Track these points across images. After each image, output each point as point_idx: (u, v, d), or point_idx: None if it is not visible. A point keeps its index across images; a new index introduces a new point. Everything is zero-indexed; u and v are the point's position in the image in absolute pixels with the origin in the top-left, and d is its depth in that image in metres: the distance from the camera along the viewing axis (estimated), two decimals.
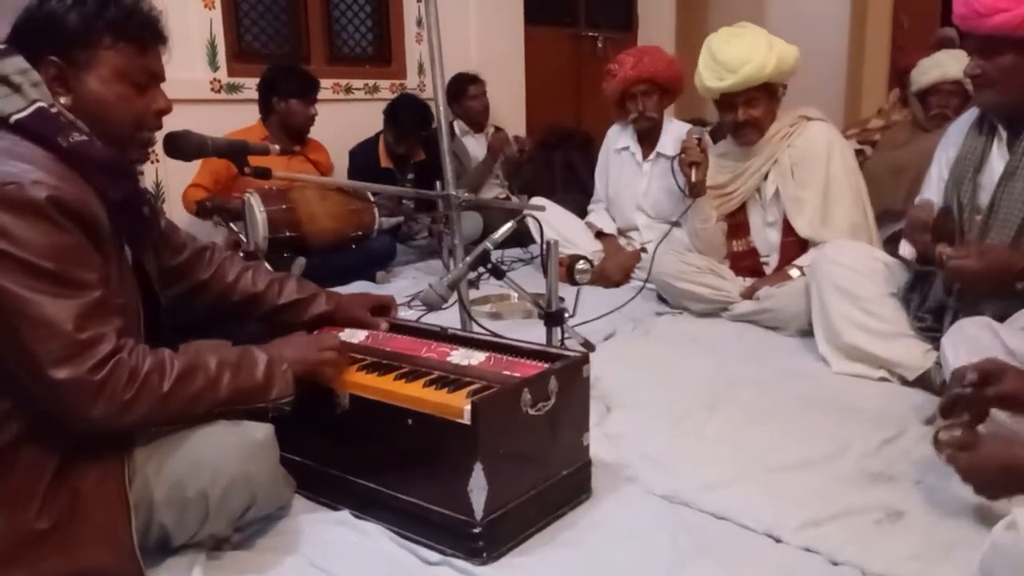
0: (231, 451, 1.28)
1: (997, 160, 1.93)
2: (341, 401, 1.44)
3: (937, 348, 1.94)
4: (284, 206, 3.10)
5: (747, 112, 2.63)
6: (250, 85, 3.74)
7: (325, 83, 4.04)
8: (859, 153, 3.91)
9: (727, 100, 2.65)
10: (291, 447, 1.47)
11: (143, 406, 1.18)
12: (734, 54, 2.56)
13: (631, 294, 2.99)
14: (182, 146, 1.51)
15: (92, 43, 1.24)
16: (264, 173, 1.60)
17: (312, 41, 4.21)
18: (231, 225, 3.05)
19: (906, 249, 2.11)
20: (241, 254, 2.95)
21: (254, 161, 1.63)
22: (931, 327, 2.04)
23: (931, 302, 2.04)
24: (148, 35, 1.29)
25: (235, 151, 1.57)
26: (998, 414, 1.44)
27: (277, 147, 1.65)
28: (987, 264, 1.78)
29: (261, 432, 1.32)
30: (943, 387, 1.81)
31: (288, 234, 3.09)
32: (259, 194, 3.06)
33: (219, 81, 3.72)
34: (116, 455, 1.23)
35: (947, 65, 3.35)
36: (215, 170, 3.28)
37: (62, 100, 1.24)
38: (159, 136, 1.41)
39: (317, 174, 3.44)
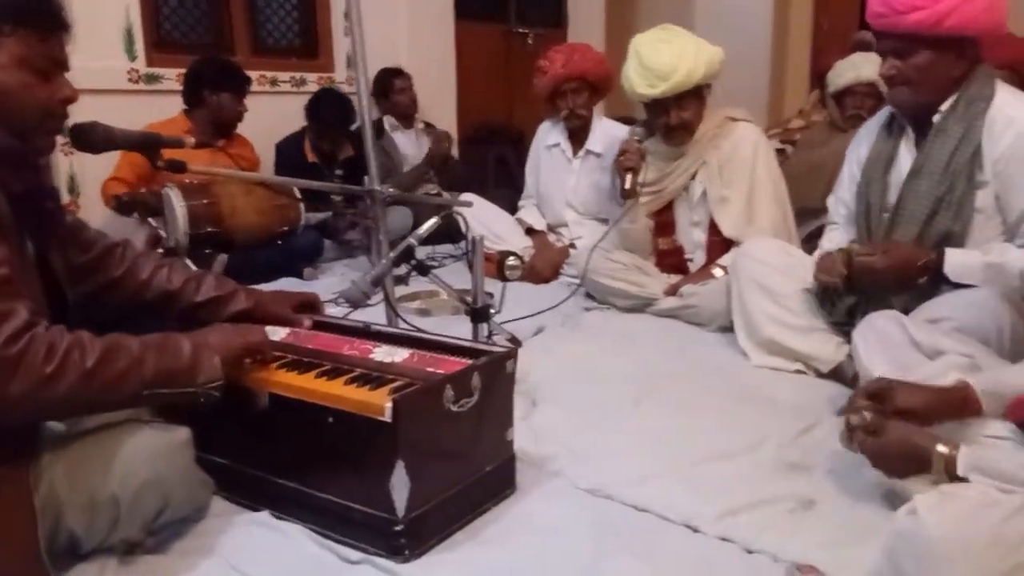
0: (142, 453, 1.24)
1: (905, 159, 2.01)
2: (260, 400, 1.41)
3: (849, 341, 2.01)
4: (206, 200, 3.02)
5: (679, 116, 2.67)
6: (170, 76, 3.64)
7: (250, 75, 3.94)
8: (780, 152, 4.03)
9: (658, 104, 2.68)
10: (209, 448, 1.44)
11: (65, 382, 1.13)
12: (664, 60, 2.59)
13: (560, 289, 3.03)
14: (89, 138, 1.45)
15: None
16: (179, 167, 1.56)
17: (236, 31, 4.11)
18: (150, 220, 2.95)
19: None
20: (161, 250, 2.87)
21: (172, 154, 1.58)
22: (843, 321, 2.12)
23: (843, 297, 2.11)
24: (50, 22, 1.24)
25: (147, 144, 1.52)
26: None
27: (192, 140, 1.60)
28: (891, 261, 1.87)
29: (175, 433, 1.29)
30: (855, 379, 1.89)
31: (210, 229, 3.01)
32: (179, 188, 2.97)
33: (137, 71, 3.61)
34: (20, 458, 1.18)
35: (861, 67, 3.48)
36: (135, 163, 3.16)
37: None
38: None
39: (242, 169, 3.36)
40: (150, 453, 1.24)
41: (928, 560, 1.09)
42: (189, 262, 2.78)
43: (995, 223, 1.90)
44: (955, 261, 1.85)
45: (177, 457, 1.28)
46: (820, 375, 2.17)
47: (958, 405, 1.43)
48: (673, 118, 2.67)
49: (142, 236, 2.98)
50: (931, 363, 1.61)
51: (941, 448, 1.27)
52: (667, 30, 2.72)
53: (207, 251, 3.00)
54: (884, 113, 2.13)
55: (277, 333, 1.61)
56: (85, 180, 3.41)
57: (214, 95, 3.37)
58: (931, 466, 1.28)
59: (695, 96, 2.68)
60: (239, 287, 1.68)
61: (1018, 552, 1.07)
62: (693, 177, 2.77)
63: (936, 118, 1.93)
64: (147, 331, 1.30)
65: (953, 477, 1.25)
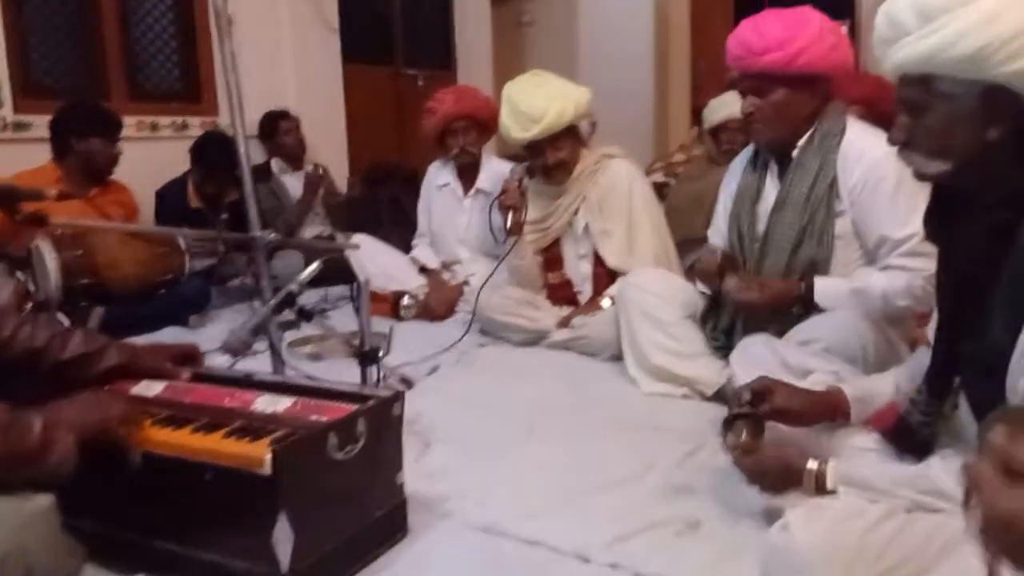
0: (3, 525, 1.16)
1: (770, 192, 2.12)
2: (133, 459, 1.35)
3: (729, 364, 2.10)
4: (80, 252, 2.88)
5: (555, 155, 2.76)
6: (41, 123, 3.46)
7: (128, 120, 3.78)
8: (664, 185, 4.21)
9: (535, 146, 2.77)
10: (79, 512, 1.36)
11: None
12: (535, 105, 2.68)
13: (456, 327, 3.03)
14: None
15: None
16: (39, 220, 1.49)
17: (111, 76, 3.97)
18: (17, 274, 2.79)
19: (700, 285, 2.28)
20: (30, 304, 2.71)
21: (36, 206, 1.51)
22: (724, 345, 2.21)
23: (723, 323, 2.21)
24: None
25: (3, 196, 1.44)
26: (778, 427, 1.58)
27: (54, 192, 1.53)
28: (767, 296, 1.99)
29: (37, 500, 1.21)
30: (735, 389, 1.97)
31: (85, 281, 2.87)
32: (51, 240, 2.83)
33: (4, 119, 3.43)
34: None
35: (733, 104, 3.64)
36: None
37: None
38: None
39: (118, 217, 3.23)
40: (9, 523, 1.16)
41: (800, 572, 1.14)
42: (63, 316, 2.64)
43: (854, 248, 2.02)
44: (824, 290, 1.97)
45: (40, 526, 1.20)
46: (705, 398, 2.24)
47: (830, 408, 1.52)
48: (549, 158, 2.76)
49: (8, 290, 2.81)
50: (801, 382, 1.70)
51: (811, 464, 1.34)
52: (537, 75, 2.82)
53: (83, 304, 2.86)
54: (750, 149, 2.25)
55: (153, 388, 1.55)
56: None
57: (83, 142, 3.22)
58: (802, 481, 1.34)
59: (569, 136, 2.77)
60: (110, 342, 1.61)
61: (883, 559, 1.14)
62: (576, 213, 2.84)
63: (795, 152, 2.05)
64: (16, 392, 1.23)
65: (823, 491, 1.31)
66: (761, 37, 1.95)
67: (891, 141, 1.28)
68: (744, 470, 1.45)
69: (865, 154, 1.96)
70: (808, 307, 1.98)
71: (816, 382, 1.66)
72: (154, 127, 4.03)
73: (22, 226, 2.96)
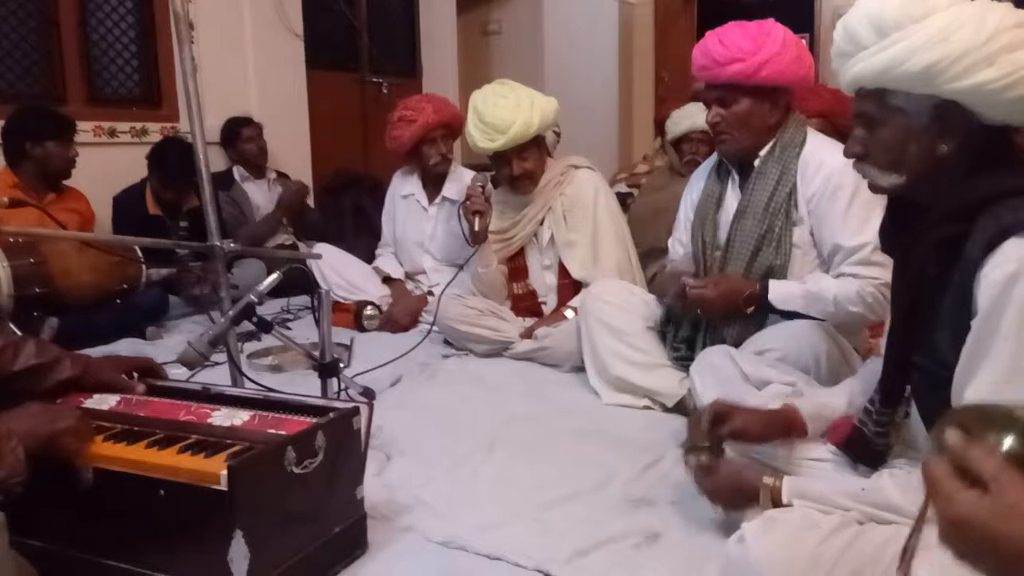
0: None
1: (731, 201, 2.16)
2: (84, 475, 1.32)
3: (690, 375, 2.11)
4: (33, 260, 2.81)
5: (521, 166, 2.77)
6: None
7: (85, 125, 3.74)
8: (628, 196, 4.24)
9: (501, 156, 2.78)
10: (29, 531, 1.33)
11: None
12: (502, 115, 2.69)
13: (419, 337, 3.02)
14: None
15: None
16: None
17: (69, 80, 3.88)
18: None
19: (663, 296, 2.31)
20: None
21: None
22: (684, 356, 2.23)
23: (683, 333, 2.23)
24: None
25: None
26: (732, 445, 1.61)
27: (5, 199, 1.50)
28: (720, 291, 2.03)
29: None
30: (695, 411, 1.99)
31: (38, 291, 2.80)
32: (2, 248, 2.76)
33: None
34: None
35: (695, 116, 3.71)
36: None
37: None
38: None
39: (74, 225, 3.17)
40: None
41: None
42: (13, 326, 2.58)
43: (811, 257, 2.06)
44: (777, 291, 2.01)
45: None
46: (665, 409, 2.26)
47: (787, 426, 1.54)
48: (516, 168, 2.77)
49: None
50: (759, 393, 1.73)
51: (767, 480, 1.35)
52: (503, 84, 2.82)
53: (36, 314, 2.79)
54: (713, 159, 2.29)
55: (106, 401, 1.52)
56: None
57: (38, 146, 3.17)
58: (759, 497, 1.36)
59: (535, 146, 2.79)
60: (63, 353, 1.57)
61: (837, 570, 1.15)
62: (542, 223, 2.85)
63: (756, 162, 2.09)
64: None
65: (779, 505, 1.33)
66: (726, 48, 1.99)
67: (847, 154, 1.31)
68: (703, 489, 1.47)
69: (824, 164, 2.01)
70: (761, 307, 2.02)
71: (774, 393, 1.68)
72: (112, 132, 3.95)
73: None
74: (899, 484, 1.20)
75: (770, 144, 2.08)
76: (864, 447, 1.42)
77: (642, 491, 1.74)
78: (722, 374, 1.82)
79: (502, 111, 2.70)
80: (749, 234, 2.07)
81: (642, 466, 1.86)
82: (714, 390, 1.78)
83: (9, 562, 1.24)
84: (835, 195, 1.97)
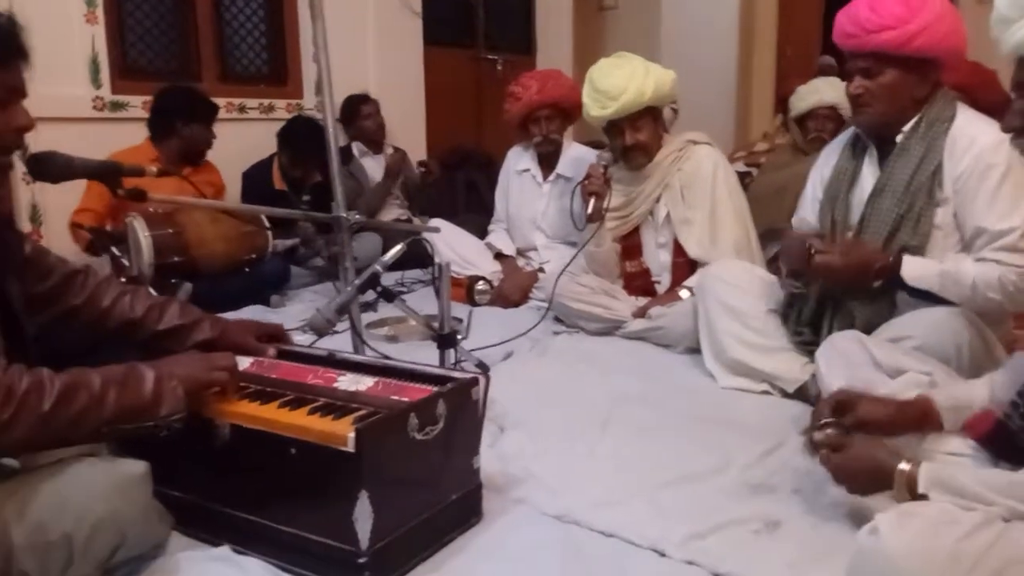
0: (98, 489, 1.22)
1: (868, 178, 2.05)
2: (221, 432, 1.39)
3: (813, 360, 2.03)
4: (171, 230, 2.98)
5: (633, 136, 2.72)
6: (136, 103, 3.61)
7: (217, 102, 3.93)
8: (746, 175, 4.11)
9: (614, 126, 2.74)
10: (168, 481, 1.41)
11: (22, 426, 1.12)
12: (614, 82, 2.65)
13: (529, 314, 3.03)
14: (47, 167, 1.44)
15: None
16: (139, 196, 1.54)
17: (203, 58, 4.09)
18: (113, 249, 2.91)
19: (783, 280, 2.21)
20: (124, 280, 2.82)
21: (134, 182, 1.57)
22: (808, 340, 2.14)
23: (807, 316, 2.14)
24: (5, 50, 1.23)
25: (107, 172, 1.50)
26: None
27: (155, 168, 1.59)
28: (848, 260, 1.90)
29: (132, 468, 1.27)
30: (819, 398, 1.91)
31: (175, 259, 2.97)
32: (144, 218, 2.94)
33: (102, 99, 3.57)
34: None
35: (823, 91, 3.56)
36: (102, 193, 3.13)
37: None
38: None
39: (208, 195, 3.34)
40: (106, 489, 1.22)
41: None
42: (153, 291, 2.74)
43: (953, 240, 1.94)
44: (912, 266, 1.89)
45: (134, 492, 1.25)
46: (785, 395, 2.18)
47: (919, 419, 1.46)
48: (628, 138, 2.72)
49: (105, 266, 2.94)
50: (892, 381, 1.64)
51: (903, 465, 1.28)
52: (620, 56, 2.78)
53: (172, 280, 2.96)
54: (848, 133, 2.18)
55: (241, 363, 1.59)
56: (48, 209, 3.37)
57: (187, 126, 3.38)
58: (892, 483, 1.29)
59: (649, 117, 2.73)
60: (204, 315, 1.66)
61: (977, 570, 1.08)
62: (658, 200, 2.80)
63: (899, 138, 1.98)
64: (108, 361, 1.28)
65: (914, 494, 1.26)
66: (877, 15, 1.88)
67: (1005, 127, 1.22)
68: (831, 469, 1.40)
69: (975, 141, 1.88)
70: (891, 283, 1.90)
71: (907, 383, 1.59)
72: (242, 109, 4.14)
73: (123, 201, 3.10)
74: None
75: (915, 119, 1.96)
76: (1007, 443, 1.33)
77: (762, 477, 1.69)
78: (851, 359, 1.73)
79: (615, 78, 2.66)
80: (887, 213, 1.96)
81: (761, 451, 1.80)
82: (841, 376, 1.71)
83: (152, 509, 1.33)
84: (985, 174, 1.84)
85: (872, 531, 1.14)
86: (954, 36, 1.89)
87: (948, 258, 1.89)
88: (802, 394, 2.14)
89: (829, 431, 1.43)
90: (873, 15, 1.88)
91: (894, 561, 1.09)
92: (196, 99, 3.44)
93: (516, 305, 3.28)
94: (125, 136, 3.39)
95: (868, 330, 1.91)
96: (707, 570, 1.36)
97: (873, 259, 1.90)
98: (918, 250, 1.92)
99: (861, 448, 1.37)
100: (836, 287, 2.01)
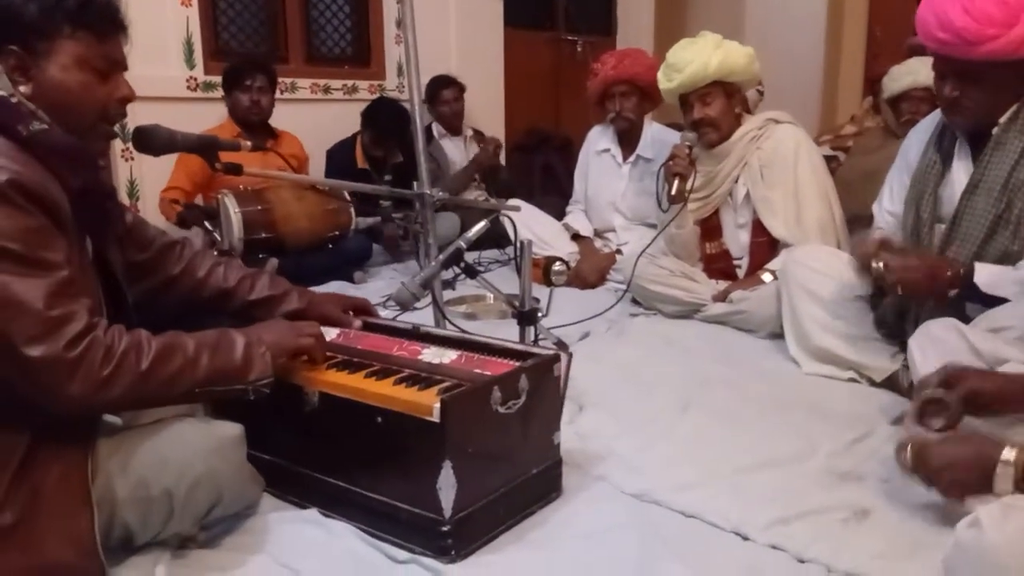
0: (197, 448, 1.27)
1: (960, 173, 1.93)
2: (310, 399, 1.43)
3: (903, 350, 1.96)
4: (260, 207, 3.08)
5: (702, 110, 2.67)
6: None
7: (303, 83, 4.07)
8: (833, 159, 3.97)
9: (685, 100, 2.71)
10: (260, 445, 1.46)
11: (121, 384, 1.17)
12: (682, 55, 2.65)
13: (606, 295, 3.02)
14: (150, 140, 1.50)
15: (51, 32, 1.23)
16: (235, 169, 1.59)
17: (291, 40, 4.20)
18: (206, 224, 3.02)
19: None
20: (215, 252, 2.93)
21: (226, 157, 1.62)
22: (897, 329, 2.06)
23: (895, 305, 2.05)
24: (107, 23, 1.28)
25: (205, 146, 1.56)
26: (972, 421, 1.45)
27: (248, 143, 1.64)
28: (920, 275, 1.79)
29: (229, 430, 1.32)
30: (910, 388, 1.84)
31: (263, 235, 3.07)
32: (233, 195, 3.04)
33: (195, 79, 3.70)
34: (79, 451, 1.21)
35: (918, 72, 3.39)
36: (191, 171, 3.26)
37: (22, 89, 1.23)
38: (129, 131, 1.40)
39: (291, 169, 3.42)
40: (204, 448, 1.27)
41: (989, 574, 1.05)
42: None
43: None
44: (986, 272, 1.77)
45: (230, 453, 1.30)
46: (873, 384, 2.12)
47: None
48: (697, 112, 2.68)
49: (199, 239, 3.06)
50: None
51: (1006, 454, 1.22)
52: (699, 35, 2.73)
53: (259, 255, 3.06)
54: (932, 119, 2.05)
55: (328, 334, 1.63)
56: (145, 184, 3.52)
57: (228, 96, 3.48)
58: (993, 474, 1.23)
59: (721, 91, 2.67)
60: (292, 287, 1.71)
61: None
62: (737, 180, 2.74)
63: (995, 131, 1.85)
64: (203, 328, 1.33)
65: (1020, 484, 1.20)
66: (974, 20, 1.71)
67: None
68: (932, 462, 1.32)
69: None
70: (965, 291, 1.78)
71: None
72: (327, 90, 4.23)
73: (211, 179, 3.22)
74: None
75: (1012, 110, 1.82)
76: None
77: (849, 465, 1.64)
78: (948, 347, 1.65)
79: (684, 52, 2.65)
80: (982, 213, 1.84)
81: (848, 440, 1.75)
82: (936, 366, 1.63)
83: (246, 470, 1.38)
84: None
85: (973, 524, 1.09)
86: None
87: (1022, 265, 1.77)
88: (891, 384, 2.07)
89: (937, 390, 1.36)
90: (970, 20, 1.71)
91: (997, 556, 1.04)
92: (233, 68, 3.50)
93: (593, 287, 3.27)
94: (216, 115, 3.52)
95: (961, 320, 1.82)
96: (792, 556, 1.34)
97: (942, 267, 1.79)
98: (1018, 255, 1.79)
99: (967, 436, 1.31)
100: (916, 301, 1.93)
